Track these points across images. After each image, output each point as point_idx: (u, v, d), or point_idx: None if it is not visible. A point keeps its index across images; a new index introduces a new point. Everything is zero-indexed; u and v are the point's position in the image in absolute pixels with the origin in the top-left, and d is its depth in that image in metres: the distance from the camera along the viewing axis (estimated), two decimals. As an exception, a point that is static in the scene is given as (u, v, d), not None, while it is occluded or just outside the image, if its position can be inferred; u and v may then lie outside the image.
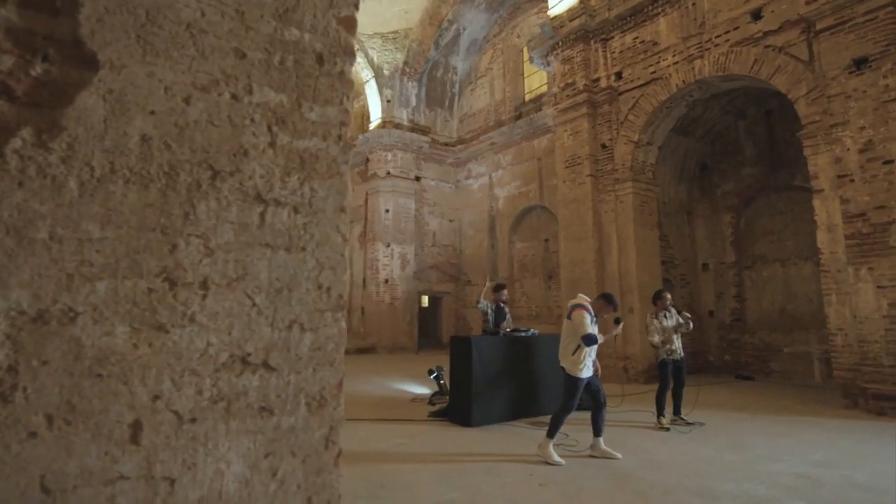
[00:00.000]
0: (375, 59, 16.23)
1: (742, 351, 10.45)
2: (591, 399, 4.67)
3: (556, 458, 4.35)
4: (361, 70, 16.58)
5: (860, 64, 6.83)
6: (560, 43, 10.50)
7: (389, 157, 16.15)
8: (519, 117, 15.27)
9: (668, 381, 5.91)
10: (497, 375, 5.93)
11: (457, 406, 5.90)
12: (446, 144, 17.40)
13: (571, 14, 10.30)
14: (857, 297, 6.63)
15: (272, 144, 1.08)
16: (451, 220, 17.40)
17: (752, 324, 10.48)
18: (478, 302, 6.81)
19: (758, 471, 4.19)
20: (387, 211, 16.00)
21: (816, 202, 7.28)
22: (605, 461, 4.45)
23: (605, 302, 4.73)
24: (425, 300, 18.83)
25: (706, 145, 11.17)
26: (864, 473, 4.09)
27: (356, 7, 1.28)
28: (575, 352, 4.55)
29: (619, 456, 4.50)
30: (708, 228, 11.23)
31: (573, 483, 3.88)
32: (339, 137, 1.18)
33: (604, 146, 9.98)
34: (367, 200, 16.66)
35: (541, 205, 14.44)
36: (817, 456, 4.63)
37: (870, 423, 5.89)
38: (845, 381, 6.81)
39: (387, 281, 15.71)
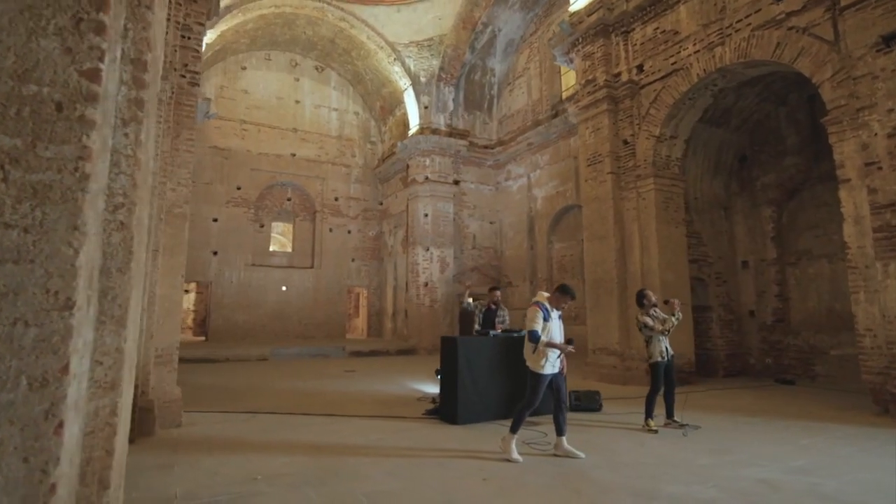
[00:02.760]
0: (412, 67, 16.65)
1: (785, 353, 9.78)
2: (552, 398, 4.67)
3: (516, 455, 4.41)
4: (399, 79, 17.07)
5: (889, 41, 6.29)
6: (580, 39, 10.35)
7: (427, 162, 16.49)
8: (555, 116, 15.09)
9: (661, 383, 5.75)
10: (485, 375, 6.03)
11: (445, 405, 6.06)
12: (486, 147, 17.49)
13: (589, 9, 10.14)
14: (885, 295, 6.10)
15: (4, 179, 1.36)
16: (491, 223, 17.46)
17: (796, 324, 9.78)
18: (461, 302, 6.97)
19: (721, 475, 4.04)
20: (426, 215, 16.34)
21: (843, 193, 6.76)
22: (566, 460, 4.45)
23: (560, 294, 4.71)
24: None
25: (743, 136, 10.55)
26: (837, 483, 3.84)
27: (101, 60, 1.52)
28: (535, 348, 4.58)
29: (583, 455, 4.48)
30: (747, 223, 10.59)
31: (517, 479, 3.95)
32: (76, 169, 1.44)
33: (625, 142, 9.73)
34: (408, 206, 17.12)
35: (577, 204, 14.14)
36: (800, 462, 4.38)
37: (893, 432, 5.42)
38: (875, 387, 6.27)
39: (426, 284, 16.05)
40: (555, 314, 4.67)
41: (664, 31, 9.17)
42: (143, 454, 4.61)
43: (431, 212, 16.34)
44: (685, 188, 9.92)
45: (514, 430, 4.52)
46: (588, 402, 6.65)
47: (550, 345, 4.50)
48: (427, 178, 16.41)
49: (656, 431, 5.49)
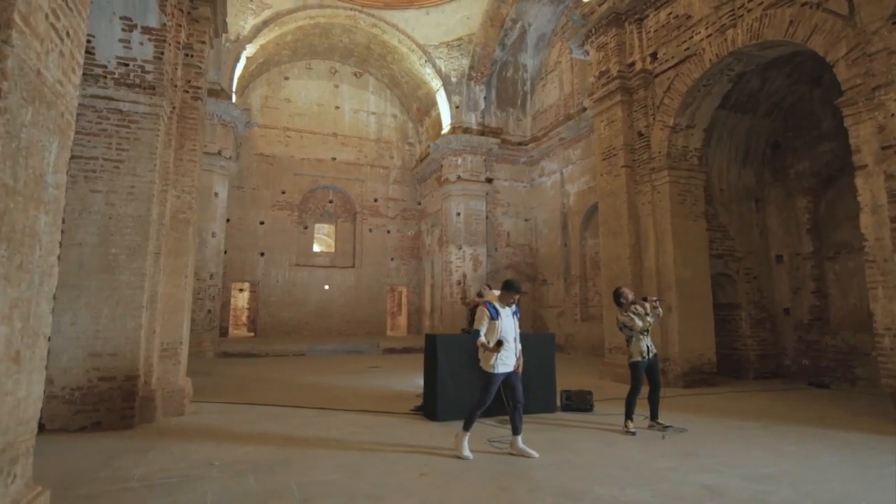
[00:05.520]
0: (443, 67, 16.79)
1: (823, 354, 9.05)
2: (508, 397, 4.66)
3: (466, 452, 4.44)
4: (431, 80, 17.27)
5: (907, 11, 5.73)
6: (593, 30, 10.08)
7: (459, 161, 16.57)
8: (585, 109, 14.71)
9: (641, 383, 5.55)
10: (467, 373, 6.05)
11: (428, 402, 6.17)
12: (519, 144, 17.35)
13: (601, -1, 9.85)
14: (904, 291, 5.56)
15: None
16: (526, 220, 17.29)
17: (835, 323, 9.03)
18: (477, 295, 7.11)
19: (668, 478, 3.90)
20: (458, 214, 16.44)
21: (859, 180, 6.21)
22: (516, 459, 4.43)
23: (505, 291, 4.67)
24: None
25: (776, 122, 9.86)
26: (792, 493, 3.60)
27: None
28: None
29: (536, 455, 4.44)
30: (781, 215, 9.89)
31: (455, 476, 3.99)
32: None
33: (640, 134, 9.37)
34: (441, 205, 17.29)
35: (607, 199, 13.76)
36: (769, 469, 4.12)
37: (901, 441, 4.95)
38: (895, 391, 5.72)
39: (459, 282, 16.14)
40: (506, 312, 4.64)
41: (677, 15, 8.76)
42: (132, 439, 5.07)
43: (464, 210, 16.42)
44: (708, 180, 9.44)
45: (465, 428, 4.55)
46: (579, 403, 6.52)
47: (482, 344, 4.51)
48: (459, 177, 16.50)
49: (634, 433, 5.31)
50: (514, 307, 4.71)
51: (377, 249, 19.48)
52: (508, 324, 4.61)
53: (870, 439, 5.08)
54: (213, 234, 13.93)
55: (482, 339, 4.52)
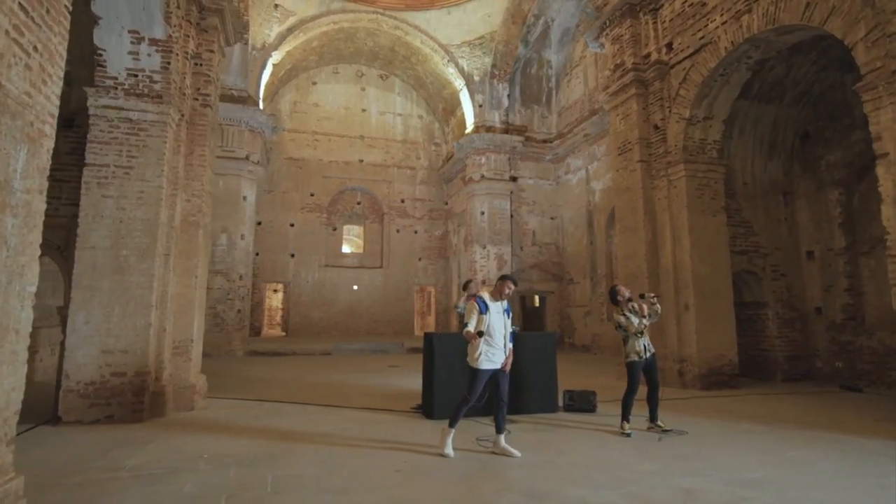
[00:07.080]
0: (465, 67, 16.78)
1: (858, 356, 8.52)
2: (493, 395, 4.61)
3: (448, 449, 4.43)
4: (455, 80, 17.29)
5: (931, -13, 5.34)
6: (608, 22, 9.85)
7: (483, 160, 16.52)
8: (609, 104, 14.38)
9: (637, 384, 5.39)
10: (461, 372, 6.03)
11: (425, 400, 6.19)
12: (544, 141, 17.14)
13: (614, -10, 9.60)
14: (928, 288, 5.17)
15: None
16: (552, 218, 17.06)
17: (870, 323, 8.48)
18: (455, 306, 6.99)
19: (648, 481, 3.78)
20: (482, 213, 16.40)
21: (880, 169, 5.84)
22: (495, 458, 4.39)
23: (500, 282, 4.63)
24: (536, 300, 18.72)
25: (804, 111, 9.35)
26: (775, 499, 3.43)
27: None
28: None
29: (518, 454, 4.39)
30: (812, 209, 9.37)
31: (429, 473, 3.99)
32: None
33: (656, 127, 9.09)
34: (466, 205, 17.28)
35: (632, 195, 13.40)
36: (758, 475, 3.94)
37: (919, 448, 4.62)
38: (919, 395, 5.33)
39: (484, 282, 16.04)
40: (496, 307, 4.58)
41: (692, 3, 8.44)
42: (138, 432, 5.31)
43: (487, 209, 16.35)
44: (730, 173, 9.07)
45: (451, 424, 4.54)
46: (581, 403, 6.40)
47: (466, 332, 4.48)
48: (483, 175, 16.46)
49: (629, 435, 5.17)
50: (506, 304, 4.66)
51: (405, 250, 19.66)
52: (497, 320, 4.56)
53: (887, 446, 4.76)
54: (242, 237, 14.40)
55: (469, 328, 4.50)
